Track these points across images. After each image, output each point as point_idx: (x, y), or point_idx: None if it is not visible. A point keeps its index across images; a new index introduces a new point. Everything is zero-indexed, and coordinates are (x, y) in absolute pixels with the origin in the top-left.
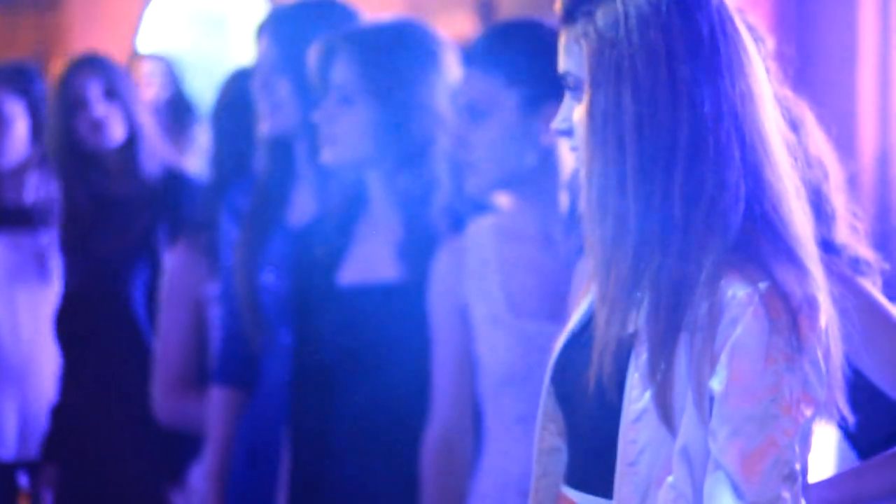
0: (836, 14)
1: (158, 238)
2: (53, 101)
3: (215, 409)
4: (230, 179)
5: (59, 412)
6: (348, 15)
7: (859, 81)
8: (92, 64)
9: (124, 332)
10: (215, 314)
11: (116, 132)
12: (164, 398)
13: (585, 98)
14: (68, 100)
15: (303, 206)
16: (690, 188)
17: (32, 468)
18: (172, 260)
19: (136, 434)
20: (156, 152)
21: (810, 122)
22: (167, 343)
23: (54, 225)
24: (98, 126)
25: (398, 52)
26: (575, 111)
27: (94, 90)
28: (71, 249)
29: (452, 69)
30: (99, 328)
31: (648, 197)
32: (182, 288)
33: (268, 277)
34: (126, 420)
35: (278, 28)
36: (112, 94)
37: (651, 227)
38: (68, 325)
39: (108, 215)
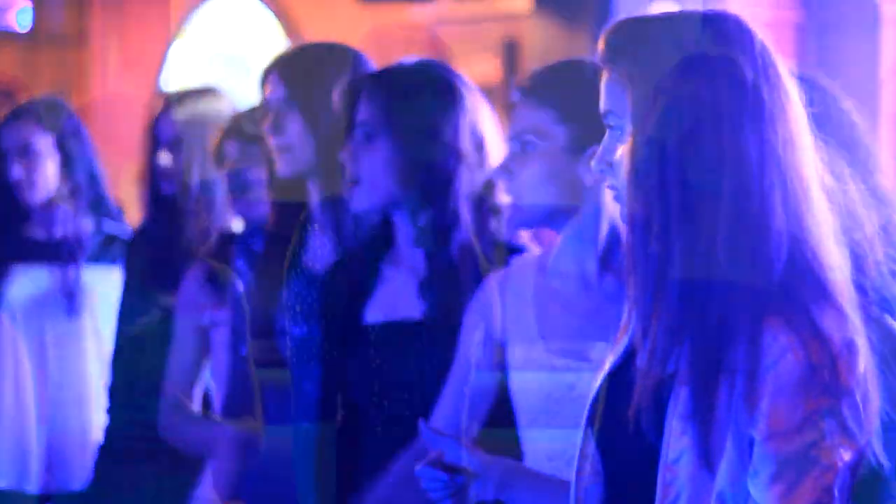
0: (857, 50)
1: None
2: None
3: (221, 446)
4: None
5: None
6: (355, 58)
7: (882, 119)
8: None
9: None
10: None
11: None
12: (163, 415)
13: (629, 142)
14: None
15: (318, 247)
16: (735, 234)
17: (58, 500)
18: (182, 285)
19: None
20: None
21: (841, 167)
22: (171, 363)
23: (82, 259)
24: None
25: (421, 89)
26: (616, 151)
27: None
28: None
29: (475, 108)
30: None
31: (693, 241)
32: (187, 312)
33: (284, 320)
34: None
35: (288, 68)
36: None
37: (695, 271)
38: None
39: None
